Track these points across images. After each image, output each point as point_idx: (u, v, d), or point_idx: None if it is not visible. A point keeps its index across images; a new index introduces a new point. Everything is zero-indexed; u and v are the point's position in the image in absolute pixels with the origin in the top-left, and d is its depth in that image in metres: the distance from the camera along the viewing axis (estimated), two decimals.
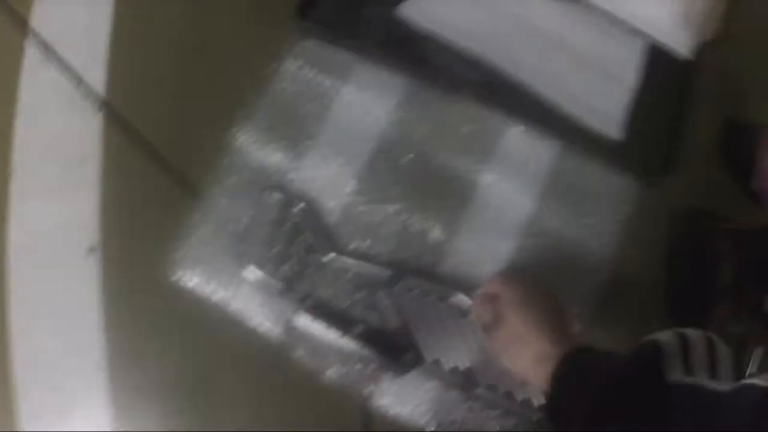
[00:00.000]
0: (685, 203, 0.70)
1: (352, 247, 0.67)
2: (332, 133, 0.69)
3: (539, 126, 0.69)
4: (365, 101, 0.69)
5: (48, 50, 0.74)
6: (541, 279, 0.65)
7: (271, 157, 0.68)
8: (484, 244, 0.68)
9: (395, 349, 0.64)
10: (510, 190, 0.69)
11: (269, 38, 0.70)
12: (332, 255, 0.66)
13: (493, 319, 0.60)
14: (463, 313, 0.65)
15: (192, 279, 0.67)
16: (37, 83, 0.74)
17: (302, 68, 0.69)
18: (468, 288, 0.65)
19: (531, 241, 0.69)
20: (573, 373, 0.53)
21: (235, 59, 0.71)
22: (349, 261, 0.67)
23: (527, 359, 0.57)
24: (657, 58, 0.72)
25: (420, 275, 0.66)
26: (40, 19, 0.76)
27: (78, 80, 0.73)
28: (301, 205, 0.67)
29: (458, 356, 0.64)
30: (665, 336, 0.48)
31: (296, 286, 0.66)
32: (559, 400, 0.53)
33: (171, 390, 0.66)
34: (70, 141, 0.72)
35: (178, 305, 0.68)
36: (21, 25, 0.75)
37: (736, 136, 0.72)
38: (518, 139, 0.70)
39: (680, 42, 0.73)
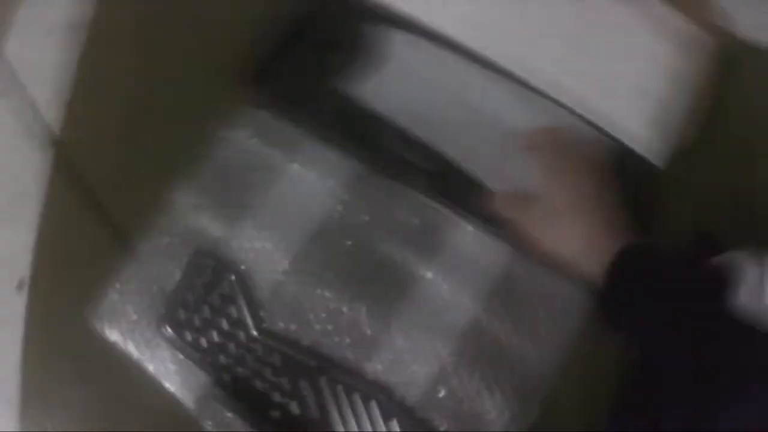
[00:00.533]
0: None
1: (279, 327, 0.64)
2: (273, 207, 0.66)
3: (492, 227, 0.66)
4: (311, 179, 0.67)
5: (15, 79, 0.73)
6: None
7: (209, 222, 0.66)
8: (419, 343, 0.65)
9: None
10: (452, 290, 0.66)
11: (221, 104, 0.68)
12: (255, 333, 0.64)
13: (544, 176, 0.55)
14: (386, 416, 0.62)
15: (112, 333, 0.65)
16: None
17: (251, 138, 0.67)
18: (391, 392, 0.62)
19: (469, 346, 0.65)
20: (638, 270, 0.48)
21: (185, 121, 0.69)
22: (274, 342, 0.64)
23: (579, 236, 0.52)
24: (625, 165, 0.67)
25: (346, 370, 0.63)
26: (13, 47, 0.75)
27: (36, 115, 0.72)
28: (232, 276, 0.64)
29: None
30: (742, 257, 0.45)
31: (215, 358, 0.64)
32: (619, 295, 0.49)
33: None
34: (14, 174, 0.71)
35: (97, 356, 0.66)
36: None
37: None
38: (468, 239, 0.67)
39: (650, 148, 0.69)
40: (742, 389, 0.40)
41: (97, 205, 0.68)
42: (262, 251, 0.65)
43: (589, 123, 0.68)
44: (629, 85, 0.70)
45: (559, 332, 0.66)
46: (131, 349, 0.65)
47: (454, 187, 0.66)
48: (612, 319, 0.51)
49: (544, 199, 0.57)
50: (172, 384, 0.65)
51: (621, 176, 0.66)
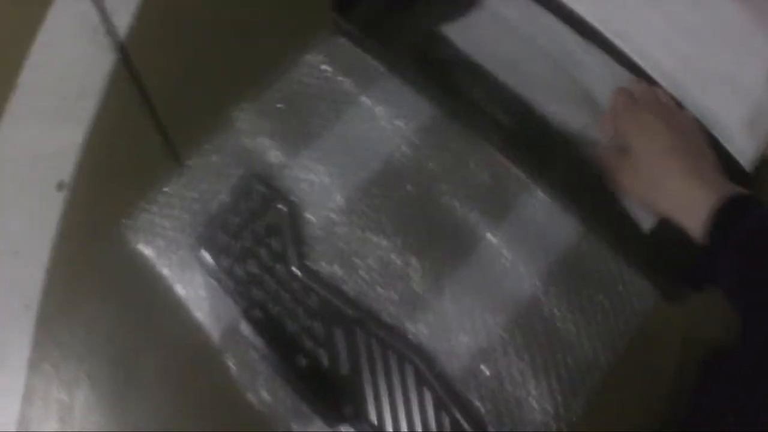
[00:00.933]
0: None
1: (322, 267, 0.59)
2: (336, 140, 0.61)
3: (566, 198, 0.60)
4: (381, 116, 0.62)
5: None
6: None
7: (267, 145, 0.62)
8: (468, 312, 0.59)
9: (336, 397, 0.56)
10: (514, 260, 0.60)
11: (300, 25, 0.64)
12: (296, 270, 0.59)
13: (634, 130, 0.54)
14: (419, 382, 0.56)
15: (147, 248, 0.61)
16: (66, 8, 0.71)
17: (325, 64, 0.63)
18: (430, 358, 0.56)
19: (521, 323, 0.59)
20: (742, 230, 0.46)
21: (260, 37, 0.66)
22: (314, 283, 0.58)
23: (672, 188, 0.51)
24: None
25: (386, 325, 0.58)
26: None
27: (104, 17, 0.69)
28: (280, 206, 0.59)
29: (402, 425, 0.55)
30: None
31: (249, 290, 0.59)
32: (725, 250, 0.46)
33: (92, 355, 0.61)
34: (77, 73, 0.68)
35: (128, 271, 0.63)
36: None
37: None
38: (538, 206, 0.61)
39: (742, 150, 0.62)
40: None
41: (153, 114, 0.65)
42: (318, 184, 0.61)
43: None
44: (732, 82, 0.64)
45: (618, 324, 0.59)
46: (164, 267, 0.61)
47: (534, 148, 0.60)
48: (715, 275, 0.47)
49: (636, 153, 0.55)
50: (200, 311, 0.60)
51: None
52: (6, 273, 0.64)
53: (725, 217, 0.47)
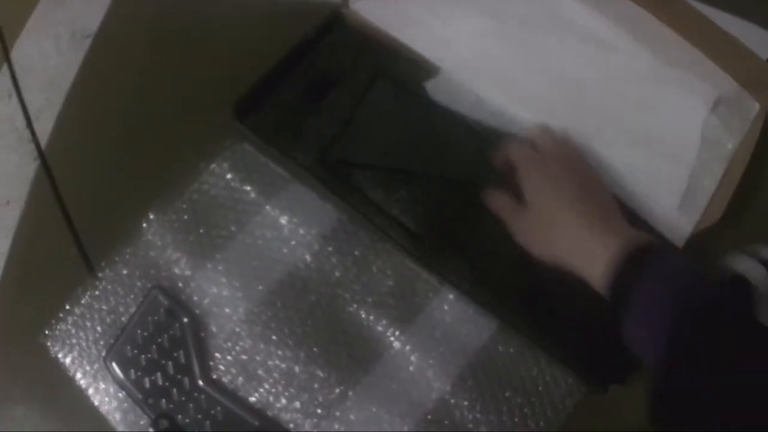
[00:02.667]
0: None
1: (226, 380, 0.59)
2: (240, 251, 0.61)
3: (478, 296, 0.58)
4: (285, 225, 0.61)
5: (15, 83, 0.72)
6: None
7: (173, 258, 0.62)
8: (374, 420, 0.59)
9: None
10: (420, 366, 0.59)
11: (208, 133, 0.64)
12: (201, 383, 0.58)
13: (535, 173, 0.53)
14: None
15: (65, 357, 0.62)
16: None
17: (230, 173, 0.62)
18: None
19: (432, 429, 0.58)
20: (648, 275, 0.45)
21: (169, 146, 0.65)
22: (219, 395, 0.58)
23: (579, 235, 0.49)
24: None
25: None
26: (20, 50, 0.74)
27: (29, 122, 0.70)
28: (185, 320, 0.59)
29: None
30: (754, 272, 0.45)
31: (157, 402, 0.59)
32: (633, 304, 0.45)
33: None
34: (2, 179, 0.69)
35: (47, 378, 0.63)
36: (2, 51, 0.73)
37: None
38: (448, 309, 0.60)
39: (674, 228, 0.60)
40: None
41: (69, 223, 0.65)
42: (220, 297, 0.60)
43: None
44: (663, 148, 0.62)
45: (538, 424, 0.58)
46: (79, 377, 0.62)
47: (438, 249, 0.59)
48: (623, 325, 0.46)
49: (537, 204, 0.53)
50: (113, 419, 0.61)
51: None
52: None
53: (630, 262, 0.46)
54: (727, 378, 0.38)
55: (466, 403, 0.59)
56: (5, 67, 0.74)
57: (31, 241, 0.67)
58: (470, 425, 0.59)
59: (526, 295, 0.58)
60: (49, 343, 0.63)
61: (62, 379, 0.63)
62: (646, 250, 0.47)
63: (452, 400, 0.59)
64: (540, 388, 0.60)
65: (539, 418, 0.59)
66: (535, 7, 0.66)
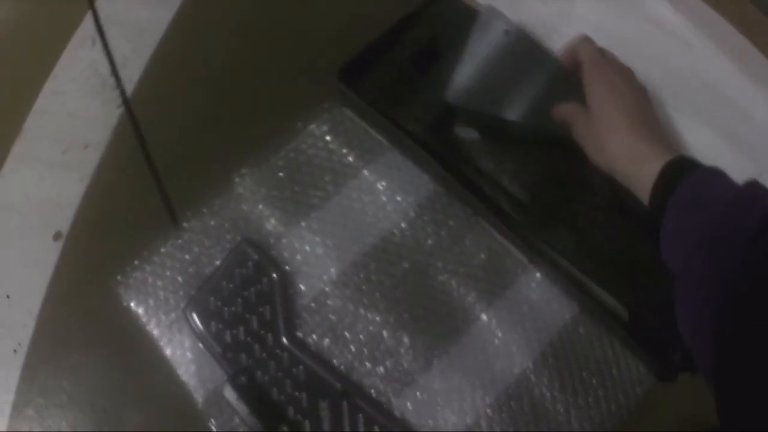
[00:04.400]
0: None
1: (311, 339, 0.57)
2: (335, 212, 0.60)
3: (560, 280, 0.58)
4: (382, 191, 0.61)
5: (100, 30, 0.70)
6: None
7: (265, 213, 0.60)
8: (456, 390, 0.58)
9: None
10: (506, 341, 0.59)
11: (307, 93, 0.63)
12: (285, 340, 0.57)
13: (599, 76, 0.56)
14: None
15: (138, 306, 0.60)
16: (78, 58, 0.70)
17: (329, 135, 0.61)
18: None
19: (509, 403, 0.57)
20: (688, 192, 0.46)
21: (267, 103, 0.65)
22: (302, 354, 0.57)
23: (630, 142, 0.51)
24: None
25: (372, 400, 0.57)
26: (106, 1, 0.72)
27: (114, 68, 0.68)
28: (274, 275, 0.58)
29: None
30: None
31: (237, 357, 0.57)
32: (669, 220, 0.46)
33: (76, 406, 0.60)
34: (82, 124, 0.68)
35: (117, 326, 0.62)
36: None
37: None
38: (534, 289, 0.60)
39: None
40: None
41: (154, 173, 0.63)
42: (312, 255, 0.59)
43: None
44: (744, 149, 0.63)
45: (610, 407, 0.58)
46: (152, 327, 0.60)
47: (532, 228, 0.59)
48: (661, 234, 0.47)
49: (598, 108, 0.55)
50: (185, 373, 0.59)
51: None
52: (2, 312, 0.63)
53: (674, 172, 0.48)
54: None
55: (545, 380, 0.59)
56: (89, 14, 0.72)
57: (109, 186, 0.65)
58: (547, 403, 0.58)
59: (623, 270, 0.58)
60: (121, 290, 0.61)
61: (132, 327, 0.61)
62: (692, 163, 0.49)
63: (533, 377, 0.59)
64: (614, 372, 0.60)
65: (611, 402, 0.59)
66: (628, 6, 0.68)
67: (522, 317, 0.60)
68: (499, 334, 0.59)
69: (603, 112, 0.55)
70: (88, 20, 0.71)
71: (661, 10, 0.68)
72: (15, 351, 0.63)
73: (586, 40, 0.60)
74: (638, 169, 0.50)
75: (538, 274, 0.61)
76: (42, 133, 0.68)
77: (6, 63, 0.72)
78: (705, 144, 0.62)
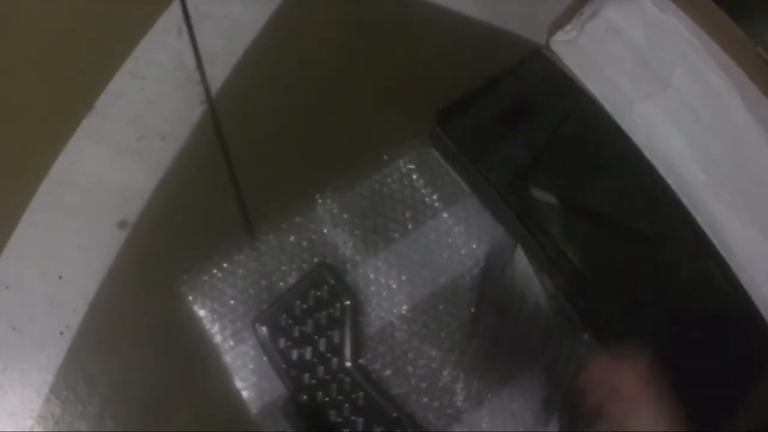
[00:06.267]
0: None
1: (374, 368, 0.59)
2: (411, 248, 0.62)
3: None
4: (458, 235, 0.62)
5: (188, 20, 0.67)
6: None
7: (344, 239, 0.61)
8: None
9: None
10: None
11: (400, 127, 0.63)
12: (349, 365, 0.58)
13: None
14: None
15: (202, 309, 0.59)
16: (161, 44, 0.68)
17: (415, 173, 0.62)
18: None
19: None
20: None
21: (356, 130, 0.64)
22: (364, 381, 0.58)
23: None
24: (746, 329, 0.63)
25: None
26: None
27: (200, 64, 0.66)
28: (347, 302, 0.59)
29: None
30: None
31: (300, 375, 0.59)
32: None
33: (121, 398, 0.60)
34: (160, 114, 0.66)
35: (174, 324, 0.61)
36: None
37: None
38: (580, 347, 0.62)
39: None
40: None
41: (233, 177, 0.63)
42: (385, 287, 0.61)
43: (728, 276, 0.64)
44: None
45: None
46: (215, 332, 0.60)
47: (589, 292, 0.61)
48: None
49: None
50: (243, 381, 0.60)
51: (742, 343, 0.63)
52: (46, 294, 0.62)
53: None
54: None
55: None
56: (177, 2, 0.69)
57: (184, 183, 0.65)
58: None
59: None
60: (186, 290, 0.61)
61: (193, 328, 0.61)
62: None
63: None
64: None
65: None
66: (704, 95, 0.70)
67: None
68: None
69: None
70: (175, 6, 0.69)
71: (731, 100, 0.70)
72: (62, 333, 0.62)
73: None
74: None
75: (585, 336, 0.64)
76: (116, 115, 0.66)
77: (81, 34, 0.69)
78: (747, 243, 0.66)
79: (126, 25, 0.68)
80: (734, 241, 0.66)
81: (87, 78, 0.67)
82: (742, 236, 0.66)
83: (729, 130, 0.69)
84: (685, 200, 0.65)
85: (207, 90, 0.66)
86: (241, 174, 0.63)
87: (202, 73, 0.66)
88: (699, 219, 0.65)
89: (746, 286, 0.65)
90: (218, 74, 0.67)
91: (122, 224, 0.63)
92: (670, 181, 0.66)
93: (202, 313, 0.60)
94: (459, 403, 0.60)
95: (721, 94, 0.70)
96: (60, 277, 0.63)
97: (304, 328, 0.59)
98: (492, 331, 0.61)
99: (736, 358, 0.61)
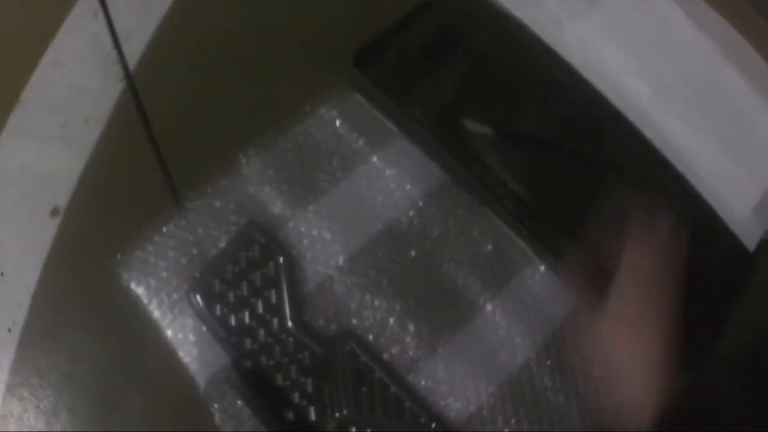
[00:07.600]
0: None
1: (318, 324, 0.56)
2: (343, 197, 0.59)
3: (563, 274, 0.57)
4: (390, 178, 0.59)
5: (103, 2, 0.66)
6: None
7: (271, 195, 0.58)
8: (459, 378, 0.57)
9: None
10: (510, 331, 0.59)
11: (317, 76, 0.60)
12: (291, 325, 0.55)
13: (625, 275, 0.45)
14: None
15: (138, 286, 0.57)
16: (78, 30, 0.67)
17: (339, 120, 0.59)
18: (417, 419, 0.54)
19: (513, 392, 0.57)
20: None
21: (275, 83, 0.62)
22: (308, 339, 0.55)
23: (634, 361, 0.43)
24: (715, 242, 0.59)
25: None
26: None
27: (117, 42, 0.64)
28: (280, 259, 0.56)
29: None
30: None
31: (241, 341, 0.56)
32: None
33: (73, 387, 0.58)
34: (83, 98, 0.64)
35: (116, 305, 0.59)
36: None
37: None
38: (539, 280, 0.59)
39: (747, 231, 0.60)
40: None
41: (156, 149, 0.61)
42: (319, 240, 0.58)
43: (686, 188, 0.60)
44: (745, 159, 0.61)
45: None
46: (153, 307, 0.58)
47: (538, 219, 0.58)
48: None
49: (614, 301, 0.46)
50: (187, 355, 0.58)
51: (707, 252, 0.58)
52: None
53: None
54: None
55: (548, 371, 0.58)
56: None
57: (109, 162, 0.63)
58: (549, 393, 0.58)
59: None
60: (121, 269, 0.59)
61: (132, 307, 0.59)
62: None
63: (535, 367, 0.58)
64: None
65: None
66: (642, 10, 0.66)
67: (526, 308, 0.59)
68: (503, 324, 0.58)
69: (621, 318, 0.45)
70: None
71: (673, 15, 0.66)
72: (9, 330, 0.60)
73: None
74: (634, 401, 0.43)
75: (542, 267, 0.60)
76: (41, 106, 0.65)
77: (2, 32, 0.68)
78: (704, 154, 0.61)
79: (43, 16, 0.68)
80: (691, 153, 0.62)
81: (11, 74, 0.66)
82: (699, 146, 0.62)
83: (671, 41, 0.65)
84: (631, 116, 0.61)
85: (125, 67, 0.64)
86: (164, 145, 0.61)
87: (119, 51, 0.65)
88: (648, 134, 0.61)
89: (707, 196, 0.60)
90: (135, 50, 0.65)
91: (54, 212, 0.62)
92: (612, 98, 0.62)
93: (140, 290, 0.58)
94: (411, 353, 0.56)
95: (659, 5, 0.65)
96: (1, 274, 0.61)
97: (239, 291, 0.56)
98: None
99: (707, 276, 0.56)
